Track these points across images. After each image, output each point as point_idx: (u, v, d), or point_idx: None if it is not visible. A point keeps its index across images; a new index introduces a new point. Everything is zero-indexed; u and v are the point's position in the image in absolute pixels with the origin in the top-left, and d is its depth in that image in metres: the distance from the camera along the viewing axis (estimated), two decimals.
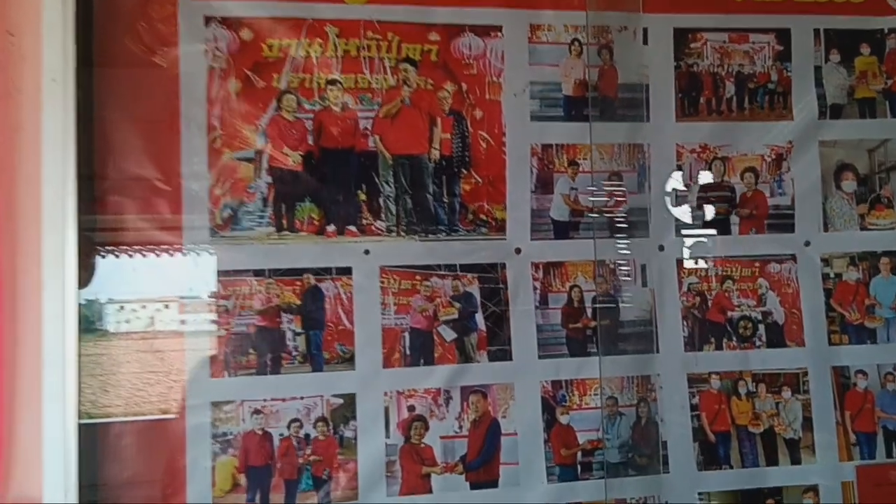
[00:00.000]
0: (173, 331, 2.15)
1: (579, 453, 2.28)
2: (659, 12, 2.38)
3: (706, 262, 2.40)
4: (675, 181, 2.39)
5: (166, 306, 2.17)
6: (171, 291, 2.13)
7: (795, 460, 2.36)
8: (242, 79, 2.17)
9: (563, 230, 2.34)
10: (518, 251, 2.30)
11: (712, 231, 2.41)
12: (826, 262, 2.42)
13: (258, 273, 2.15)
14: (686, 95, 2.40)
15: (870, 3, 2.45)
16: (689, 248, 2.40)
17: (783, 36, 2.43)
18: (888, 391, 2.40)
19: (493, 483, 2.22)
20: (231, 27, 2.17)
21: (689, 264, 2.38)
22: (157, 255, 2.13)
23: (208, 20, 2.16)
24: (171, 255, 2.13)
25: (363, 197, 2.23)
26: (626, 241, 2.36)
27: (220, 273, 2.13)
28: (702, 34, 2.40)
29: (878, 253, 2.44)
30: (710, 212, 2.40)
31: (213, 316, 2.11)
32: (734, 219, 2.41)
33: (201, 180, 2.13)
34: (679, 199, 2.39)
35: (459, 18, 2.28)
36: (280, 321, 2.15)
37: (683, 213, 2.39)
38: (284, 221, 2.18)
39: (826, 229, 2.42)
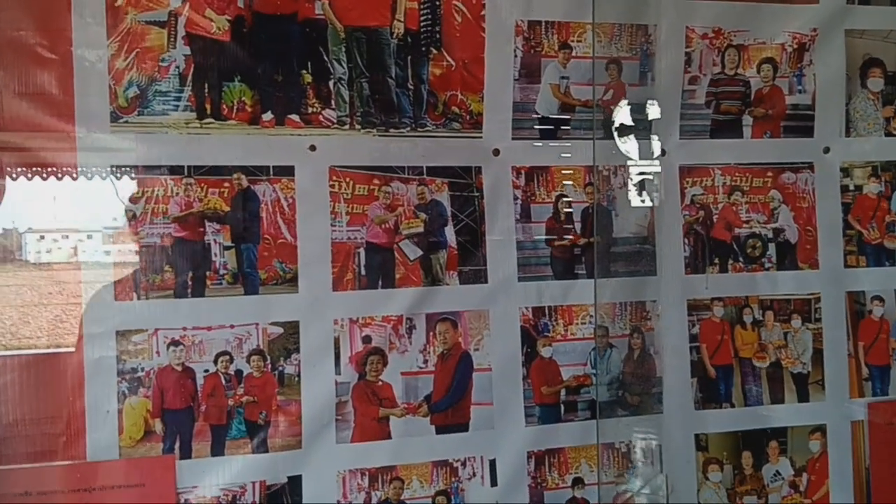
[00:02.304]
0: (67, 239, 1.69)
1: (563, 391, 1.96)
2: None
3: (713, 170, 2.05)
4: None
5: (54, 199, 1.69)
6: (63, 202, 1.66)
7: (803, 397, 2.09)
8: None
9: (550, 129, 1.95)
10: (496, 153, 1.92)
11: (722, 134, 2.05)
12: (846, 171, 2.12)
13: (175, 170, 1.71)
14: None
15: None
16: (694, 153, 2.03)
17: None
18: None
19: (464, 426, 1.89)
20: None
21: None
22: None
23: None
24: (61, 141, 1.65)
25: (308, 78, 1.80)
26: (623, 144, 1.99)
27: (125, 168, 1.68)
28: None
29: None
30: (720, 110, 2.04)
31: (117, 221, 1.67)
32: (747, 119, 2.06)
33: (98, 48, 1.66)
34: (686, 94, 2.02)
35: None
36: (204, 231, 1.73)
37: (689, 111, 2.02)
38: (208, 106, 1.73)
39: (848, 134, 2.11)
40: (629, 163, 2.01)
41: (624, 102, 1.99)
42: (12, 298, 1.69)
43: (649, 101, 2.00)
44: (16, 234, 1.68)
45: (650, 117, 2.00)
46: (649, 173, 2.02)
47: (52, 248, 1.68)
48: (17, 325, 1.71)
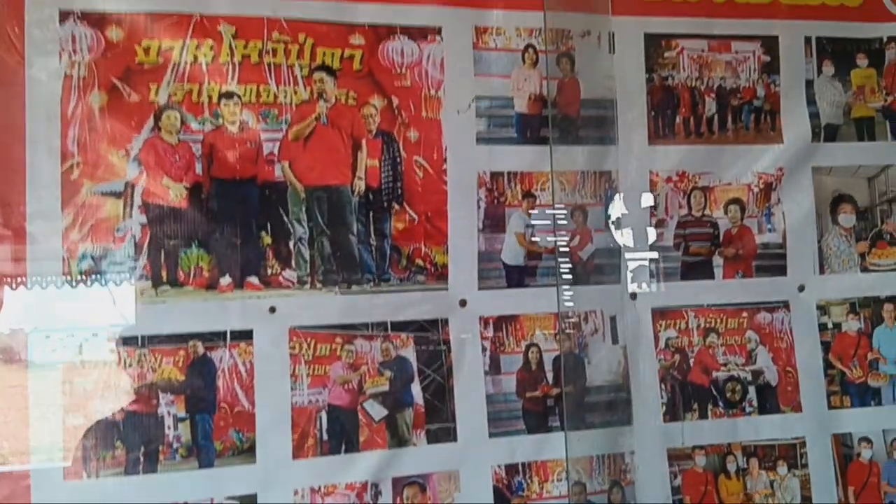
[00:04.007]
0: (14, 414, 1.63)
1: None
2: (628, 14, 1.99)
3: (686, 312, 2.01)
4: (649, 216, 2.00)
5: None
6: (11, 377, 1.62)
7: None
8: (109, 90, 1.70)
9: (517, 277, 1.93)
10: (463, 303, 1.88)
11: (693, 275, 2.02)
12: (823, 309, 2.07)
13: (128, 341, 1.67)
14: (660, 113, 2.02)
15: (866, 8, 2.12)
16: (665, 295, 2.00)
17: (770, 44, 2.08)
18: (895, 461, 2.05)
19: None
20: (95, 24, 1.70)
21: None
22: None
23: (65, 15, 1.69)
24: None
25: (268, 240, 1.78)
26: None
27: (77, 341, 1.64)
28: (677, 41, 2.03)
29: (882, 298, 2.10)
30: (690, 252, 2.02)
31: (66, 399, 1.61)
32: (717, 260, 2.04)
33: (52, 221, 1.65)
34: (656, 243, 2.00)
35: (389, 17, 1.86)
36: (157, 403, 1.68)
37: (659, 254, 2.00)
38: (164, 273, 1.71)
39: (822, 271, 2.08)
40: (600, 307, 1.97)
41: (590, 247, 1.97)
42: None
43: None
44: None
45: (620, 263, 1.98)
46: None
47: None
48: None
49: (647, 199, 2.01)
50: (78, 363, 1.64)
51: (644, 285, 1.99)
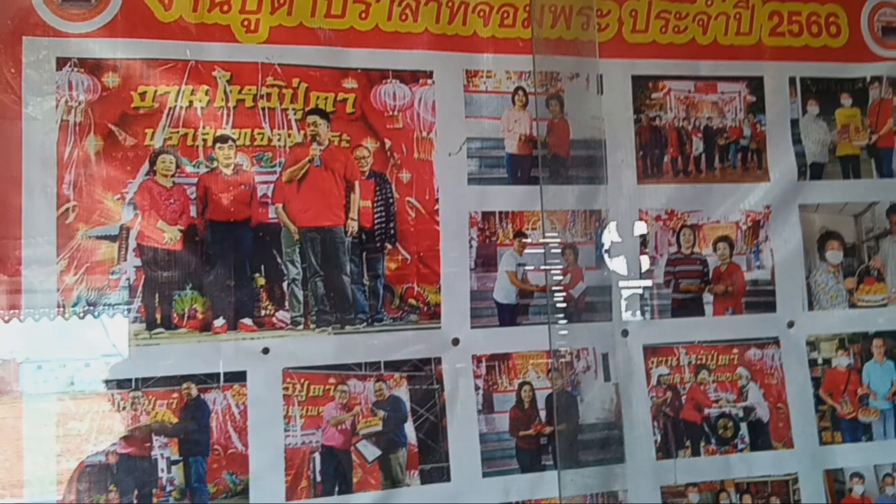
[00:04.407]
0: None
1: None
2: (615, 57, 2.03)
3: (677, 349, 2.02)
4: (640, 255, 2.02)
5: None
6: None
7: None
8: (105, 135, 1.73)
9: (509, 315, 1.94)
10: (456, 342, 1.89)
11: (683, 312, 2.04)
12: (812, 345, 2.09)
13: (122, 384, 1.68)
14: (648, 153, 2.05)
15: (849, 48, 2.17)
16: (657, 332, 2.02)
17: (755, 85, 2.12)
18: (888, 496, 2.06)
19: None
20: (91, 71, 1.73)
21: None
22: None
23: (62, 62, 1.71)
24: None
25: (262, 281, 1.79)
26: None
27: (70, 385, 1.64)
28: (664, 82, 2.07)
29: (870, 334, 2.12)
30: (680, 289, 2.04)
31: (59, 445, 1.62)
32: (707, 297, 2.06)
33: (47, 265, 1.66)
34: (644, 275, 2.02)
35: (381, 62, 1.89)
36: (151, 446, 1.69)
37: (650, 291, 2.02)
38: (158, 315, 1.72)
39: (811, 307, 2.10)
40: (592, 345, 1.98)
41: (582, 285, 1.99)
42: None
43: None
44: None
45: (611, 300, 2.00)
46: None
47: None
48: None
49: (641, 227, 2.03)
50: (69, 396, 1.64)
51: (637, 314, 2.00)
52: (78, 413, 1.64)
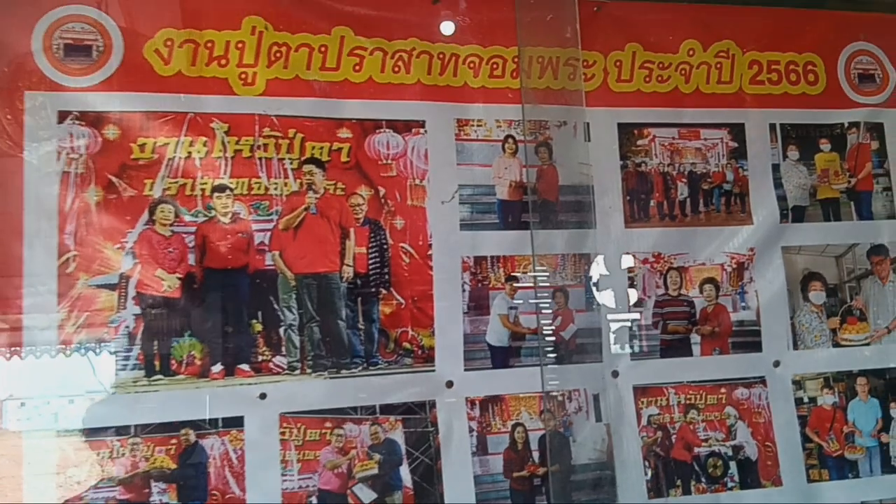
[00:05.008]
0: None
1: None
2: (601, 106, 2.10)
3: (666, 389, 2.06)
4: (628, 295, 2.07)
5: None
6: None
7: None
8: (105, 186, 1.77)
9: (502, 357, 1.98)
10: (450, 385, 1.93)
11: (672, 353, 2.08)
12: (798, 384, 2.13)
13: (121, 431, 1.70)
14: (635, 198, 2.11)
15: (827, 96, 2.25)
16: (646, 373, 2.06)
17: (737, 131, 2.19)
18: None
19: None
20: (92, 123, 1.78)
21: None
22: None
23: (63, 115, 1.76)
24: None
25: (259, 327, 1.83)
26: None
27: (71, 433, 1.66)
28: (649, 130, 2.14)
29: (855, 373, 2.16)
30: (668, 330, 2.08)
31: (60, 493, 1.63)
32: (695, 337, 2.10)
33: (48, 313, 1.69)
34: (633, 307, 2.07)
35: (375, 112, 1.95)
36: (149, 492, 1.70)
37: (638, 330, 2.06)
38: (157, 363, 1.75)
39: (796, 347, 2.15)
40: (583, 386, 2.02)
41: (572, 328, 2.03)
42: None
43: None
44: None
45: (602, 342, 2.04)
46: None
47: None
48: None
49: (628, 261, 2.08)
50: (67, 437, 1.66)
51: (626, 347, 2.04)
52: (77, 460, 1.66)
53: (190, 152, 1.83)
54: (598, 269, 2.05)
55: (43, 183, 1.73)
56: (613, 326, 2.05)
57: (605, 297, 2.05)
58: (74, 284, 1.72)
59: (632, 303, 2.07)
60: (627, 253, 2.08)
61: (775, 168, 2.19)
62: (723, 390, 2.10)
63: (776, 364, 2.13)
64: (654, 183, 2.13)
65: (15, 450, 1.65)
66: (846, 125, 2.26)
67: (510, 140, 2.04)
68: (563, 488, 1.94)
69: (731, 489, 2.05)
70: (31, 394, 1.67)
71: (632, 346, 2.05)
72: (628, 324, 2.06)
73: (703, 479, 2.05)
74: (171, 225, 1.80)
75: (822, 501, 2.09)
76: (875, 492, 2.12)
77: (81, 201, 1.75)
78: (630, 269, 2.08)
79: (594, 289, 2.04)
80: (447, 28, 2.01)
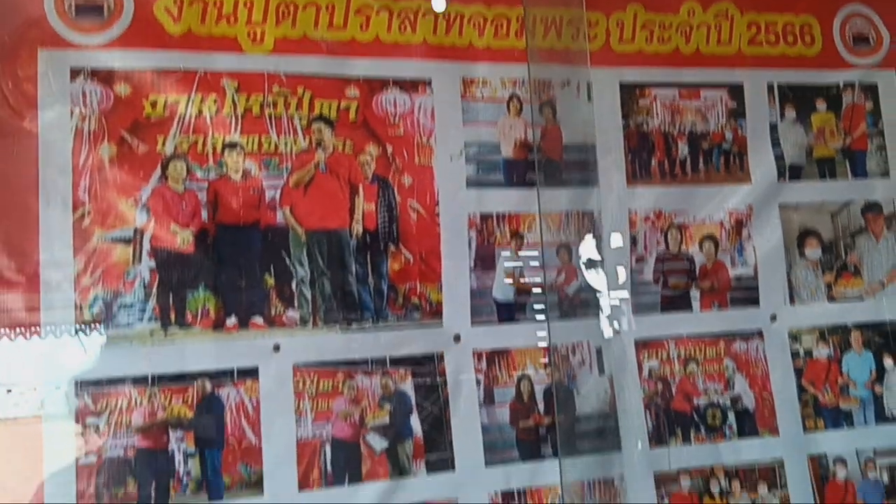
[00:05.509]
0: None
1: None
2: (604, 66, 2.14)
3: (667, 342, 2.12)
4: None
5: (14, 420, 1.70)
6: (21, 411, 1.67)
7: None
8: (118, 142, 1.79)
9: (508, 312, 2.03)
10: (457, 338, 1.97)
11: (672, 308, 2.13)
12: (794, 337, 2.19)
13: (139, 381, 1.74)
14: (636, 157, 2.15)
15: (823, 56, 2.29)
16: (647, 327, 2.11)
17: (736, 92, 2.23)
18: (870, 480, 2.16)
19: None
20: (104, 81, 1.80)
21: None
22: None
23: (75, 73, 1.78)
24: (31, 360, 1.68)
25: (271, 281, 1.86)
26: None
27: (88, 383, 1.70)
28: (650, 90, 2.18)
29: (849, 326, 2.23)
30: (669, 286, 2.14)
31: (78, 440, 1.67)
32: (694, 293, 2.16)
33: (64, 267, 1.72)
34: (635, 273, 2.12)
35: (382, 71, 1.98)
36: (167, 440, 1.74)
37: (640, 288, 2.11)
38: (172, 315, 1.78)
39: (792, 301, 2.20)
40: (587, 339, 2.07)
41: (576, 283, 2.08)
42: None
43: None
44: None
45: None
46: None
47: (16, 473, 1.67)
48: None
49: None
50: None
51: (623, 323, 2.09)
52: (97, 409, 1.70)
53: (201, 110, 1.85)
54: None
55: (57, 139, 1.75)
56: (612, 301, 2.10)
57: (599, 280, 2.09)
58: (90, 238, 1.74)
59: (622, 280, 2.11)
60: (630, 217, 2.12)
61: (773, 128, 2.24)
62: (721, 343, 2.16)
63: (773, 318, 2.18)
64: (656, 142, 2.17)
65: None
66: (841, 86, 2.31)
67: (515, 99, 2.07)
68: (568, 437, 2.00)
69: (729, 438, 2.11)
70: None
71: (629, 326, 2.10)
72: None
73: (703, 429, 2.10)
74: (183, 181, 1.83)
75: (817, 450, 2.15)
76: (869, 441, 2.19)
77: (95, 157, 1.77)
78: (633, 245, 2.12)
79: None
80: None
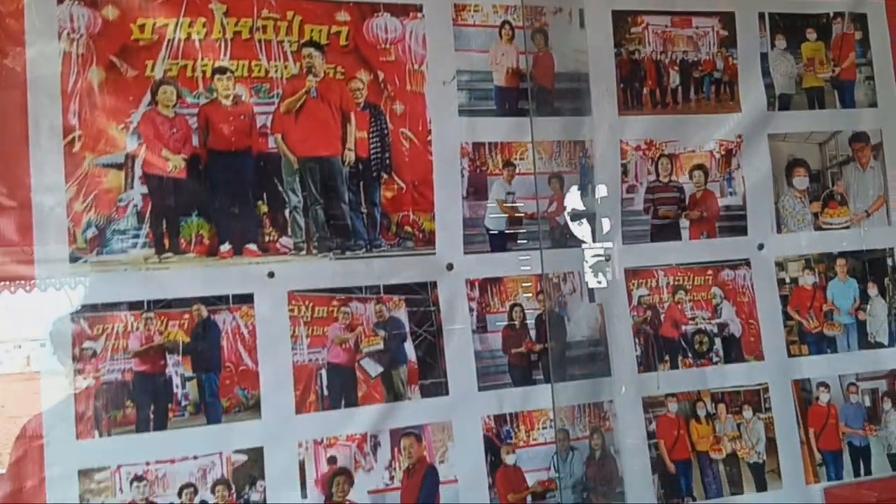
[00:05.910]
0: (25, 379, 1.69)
1: (529, 497, 1.98)
2: None
3: (656, 271, 2.15)
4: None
5: (18, 347, 1.71)
6: (21, 334, 1.68)
7: (761, 486, 2.14)
8: (107, 67, 1.77)
9: (500, 241, 2.04)
10: (450, 267, 1.99)
11: (661, 237, 2.16)
12: (781, 266, 2.23)
13: (134, 306, 1.74)
14: (628, 86, 2.15)
15: None
16: (637, 256, 2.13)
17: (727, 20, 2.23)
18: (851, 404, 2.22)
19: None
20: (91, 4, 1.77)
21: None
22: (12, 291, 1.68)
23: None
24: (26, 290, 1.68)
25: (264, 209, 1.86)
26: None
27: (85, 308, 1.70)
28: (642, 17, 2.17)
29: (834, 254, 2.27)
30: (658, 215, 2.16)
31: (76, 363, 1.68)
32: (684, 222, 2.18)
33: (56, 193, 1.71)
34: (625, 202, 2.13)
35: None
36: (164, 364, 1.75)
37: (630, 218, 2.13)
38: (166, 241, 1.78)
39: (779, 230, 2.24)
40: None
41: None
42: None
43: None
44: None
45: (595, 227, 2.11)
46: (602, 255, 2.11)
47: (17, 394, 1.68)
48: None
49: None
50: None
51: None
52: (93, 333, 1.70)
53: (189, 33, 1.82)
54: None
55: (45, 63, 1.72)
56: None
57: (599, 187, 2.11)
58: (81, 164, 1.73)
59: (623, 193, 2.13)
60: (621, 146, 2.13)
61: (763, 57, 2.24)
62: (709, 272, 2.19)
63: (760, 247, 2.21)
64: (647, 71, 2.16)
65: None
66: (831, 15, 2.31)
67: (507, 26, 2.06)
68: (559, 363, 2.03)
69: (716, 363, 2.16)
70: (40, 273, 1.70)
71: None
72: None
73: (690, 355, 2.15)
74: (173, 106, 1.80)
75: (801, 375, 2.21)
76: (852, 366, 2.24)
77: (84, 81, 1.74)
78: (623, 175, 2.13)
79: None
80: None
